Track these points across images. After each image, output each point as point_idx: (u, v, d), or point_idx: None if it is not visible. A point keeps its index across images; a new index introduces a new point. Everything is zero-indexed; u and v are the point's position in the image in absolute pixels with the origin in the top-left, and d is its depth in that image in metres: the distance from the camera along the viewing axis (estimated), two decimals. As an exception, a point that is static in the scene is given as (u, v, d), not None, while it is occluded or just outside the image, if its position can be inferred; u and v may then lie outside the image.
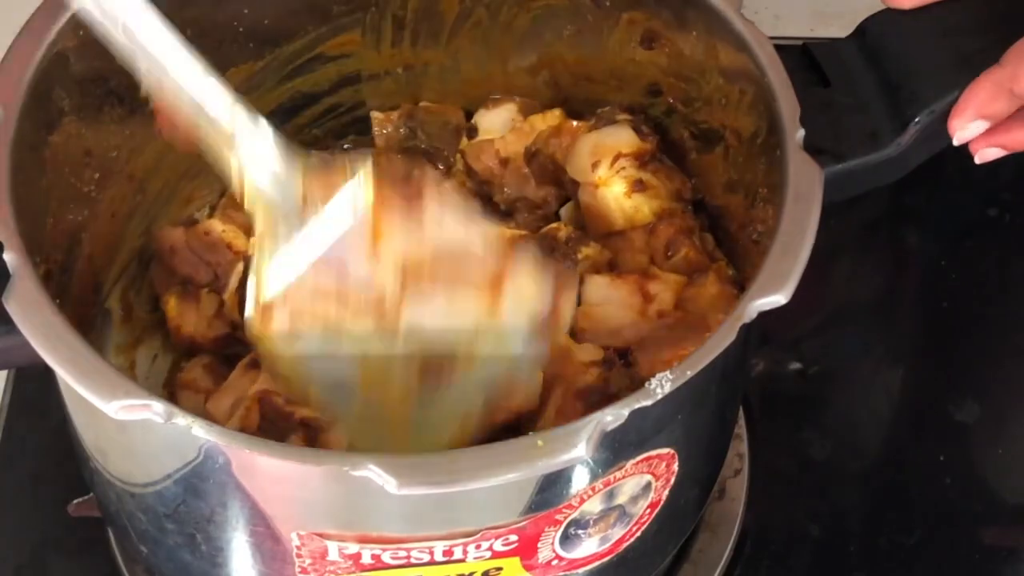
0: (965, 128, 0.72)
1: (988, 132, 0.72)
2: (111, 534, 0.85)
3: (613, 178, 0.80)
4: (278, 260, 0.70)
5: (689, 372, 0.59)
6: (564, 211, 0.86)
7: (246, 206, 0.70)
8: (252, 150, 0.69)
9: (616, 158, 0.80)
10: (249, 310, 0.70)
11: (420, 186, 0.71)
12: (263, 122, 0.69)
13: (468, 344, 0.71)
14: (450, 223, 0.71)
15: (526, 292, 0.72)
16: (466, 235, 0.71)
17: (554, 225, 0.83)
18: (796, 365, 0.96)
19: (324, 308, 0.69)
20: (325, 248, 0.70)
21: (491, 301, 0.71)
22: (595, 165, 0.80)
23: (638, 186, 0.80)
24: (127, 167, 0.77)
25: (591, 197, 0.81)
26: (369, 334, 0.70)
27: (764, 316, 0.62)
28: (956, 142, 0.73)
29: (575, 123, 0.84)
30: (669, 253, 0.79)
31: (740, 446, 0.90)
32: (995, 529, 0.91)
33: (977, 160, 0.73)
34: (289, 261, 0.70)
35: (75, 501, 0.84)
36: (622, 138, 0.81)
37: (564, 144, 0.84)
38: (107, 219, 0.77)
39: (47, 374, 0.62)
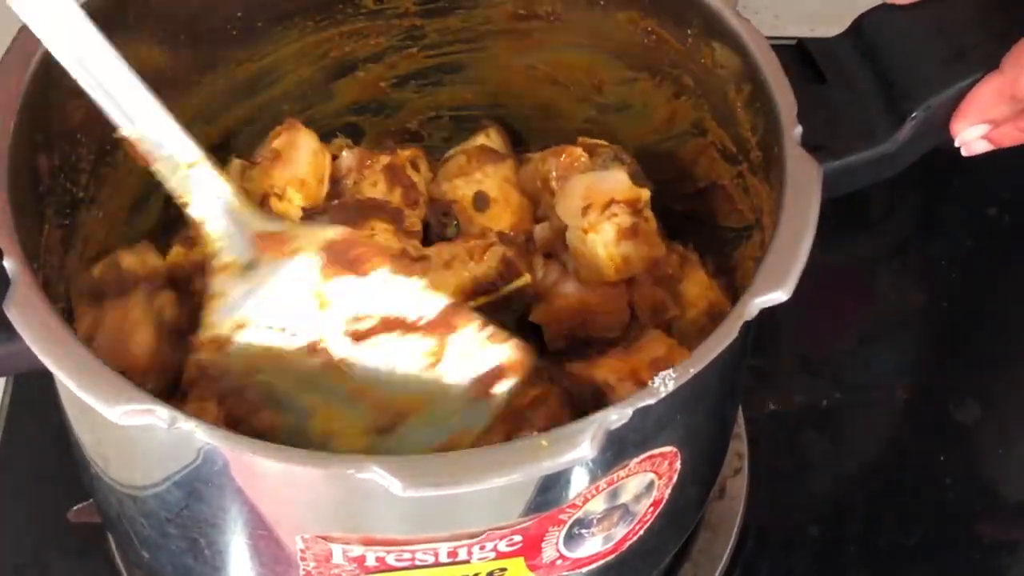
0: (967, 131, 0.73)
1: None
2: (111, 539, 0.85)
3: (603, 223, 0.78)
4: (228, 303, 0.70)
5: (692, 370, 0.59)
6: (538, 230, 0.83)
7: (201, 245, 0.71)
8: (206, 203, 0.70)
9: (609, 204, 0.78)
10: (202, 335, 0.70)
11: (368, 255, 0.71)
12: (221, 181, 0.70)
13: (415, 392, 0.70)
14: (395, 289, 0.71)
15: (464, 353, 0.71)
16: (410, 300, 0.71)
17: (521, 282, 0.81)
18: (796, 365, 0.96)
19: (272, 343, 0.69)
20: (272, 304, 0.69)
21: (433, 359, 0.70)
22: (586, 209, 0.78)
23: (629, 233, 0.78)
24: (124, 169, 0.77)
25: (580, 242, 0.78)
26: (317, 372, 0.69)
27: (764, 315, 0.62)
28: (958, 143, 0.73)
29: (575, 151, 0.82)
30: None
31: (740, 446, 0.90)
32: (995, 529, 0.91)
33: (964, 153, 0.74)
34: (239, 306, 0.70)
35: (75, 507, 0.84)
36: (618, 183, 0.79)
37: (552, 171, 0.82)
38: (105, 222, 0.77)
39: (47, 378, 0.61)
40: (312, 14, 0.82)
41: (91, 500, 0.79)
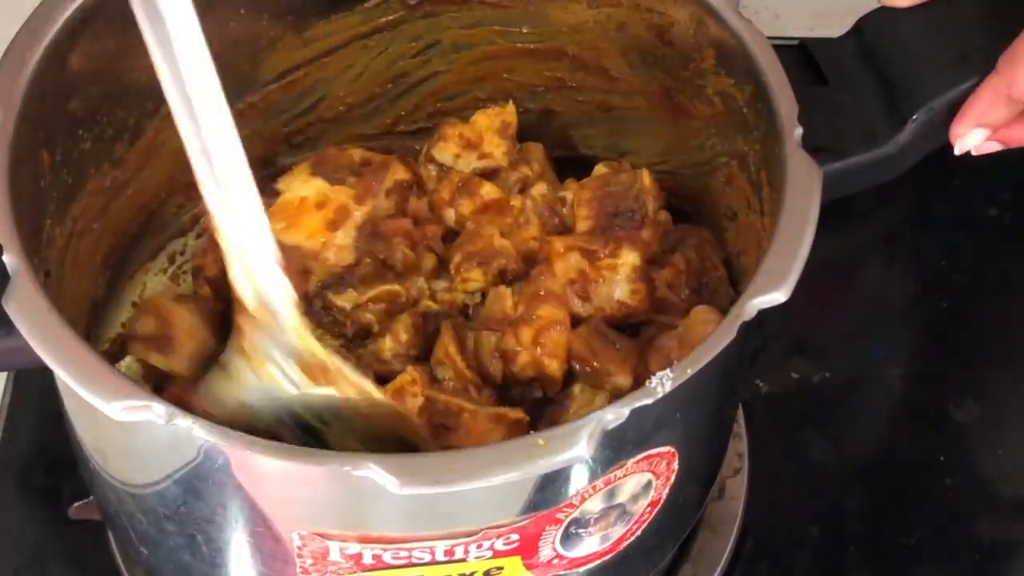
0: (966, 136, 0.72)
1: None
2: (111, 536, 0.85)
3: None
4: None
5: (690, 370, 0.59)
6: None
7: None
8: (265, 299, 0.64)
9: None
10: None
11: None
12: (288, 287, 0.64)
13: None
14: None
15: None
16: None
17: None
18: (795, 365, 0.96)
19: None
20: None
21: None
22: None
23: None
24: (124, 165, 0.77)
25: None
26: None
27: (764, 315, 0.62)
28: (958, 151, 0.73)
29: None
30: None
31: (740, 446, 0.90)
32: (995, 529, 0.91)
33: (974, 153, 0.74)
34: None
35: (75, 504, 0.84)
36: None
37: None
38: (105, 219, 0.77)
39: (47, 375, 0.62)
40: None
41: (91, 497, 0.79)
